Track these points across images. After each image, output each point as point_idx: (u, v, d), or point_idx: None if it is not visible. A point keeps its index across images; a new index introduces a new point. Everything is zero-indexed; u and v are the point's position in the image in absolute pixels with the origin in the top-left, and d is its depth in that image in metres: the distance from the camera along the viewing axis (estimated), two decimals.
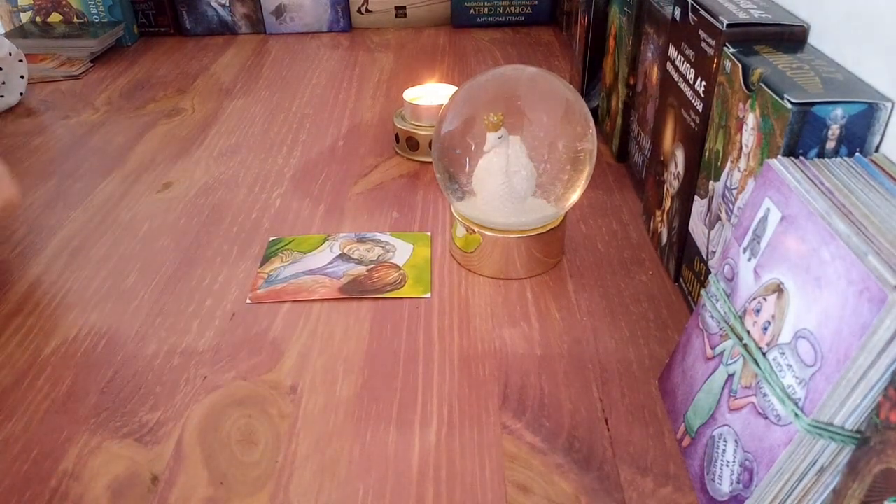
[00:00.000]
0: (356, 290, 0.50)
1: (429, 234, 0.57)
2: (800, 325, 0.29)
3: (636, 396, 0.41)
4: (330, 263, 0.53)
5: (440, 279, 0.51)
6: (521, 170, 0.48)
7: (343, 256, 0.54)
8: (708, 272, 0.44)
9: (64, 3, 1.00)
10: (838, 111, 0.34)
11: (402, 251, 0.54)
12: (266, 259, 0.54)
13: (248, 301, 0.50)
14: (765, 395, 0.31)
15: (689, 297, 0.48)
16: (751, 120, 0.38)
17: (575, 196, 0.50)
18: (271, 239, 0.57)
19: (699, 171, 0.45)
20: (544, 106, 0.51)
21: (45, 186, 0.66)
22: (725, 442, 0.33)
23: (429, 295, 0.50)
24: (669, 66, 0.50)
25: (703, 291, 0.38)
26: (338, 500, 0.36)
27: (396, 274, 0.52)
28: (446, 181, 0.51)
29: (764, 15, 0.42)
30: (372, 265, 0.53)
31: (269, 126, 0.77)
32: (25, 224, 0.60)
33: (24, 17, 1.01)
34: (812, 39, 0.41)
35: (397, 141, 0.69)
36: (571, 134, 0.50)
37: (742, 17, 0.41)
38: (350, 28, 1.08)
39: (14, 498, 0.36)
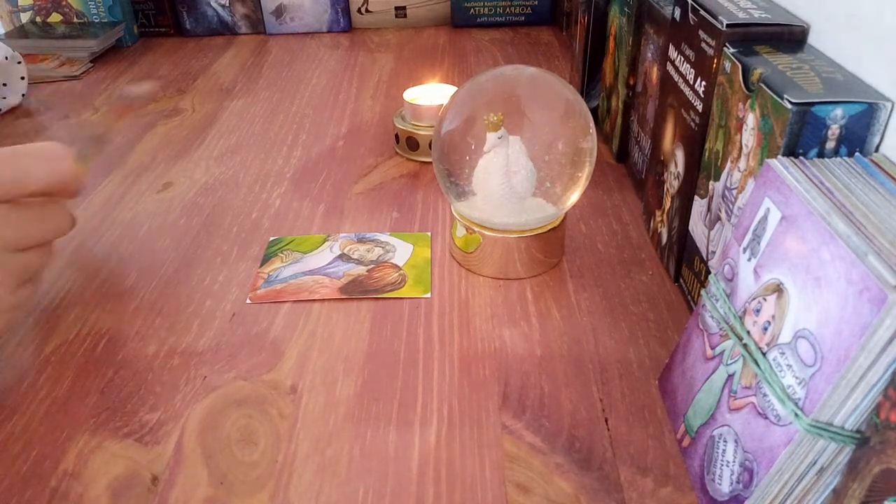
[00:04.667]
0: (356, 291, 0.50)
1: (429, 234, 0.57)
2: (800, 325, 0.29)
3: (636, 396, 0.41)
4: (330, 264, 0.53)
5: (440, 279, 0.51)
6: (521, 170, 0.48)
7: (343, 257, 0.54)
8: (708, 272, 0.44)
9: (64, 3, 1.00)
10: (838, 111, 0.34)
11: (402, 251, 0.54)
12: (266, 259, 0.54)
13: (248, 301, 0.50)
14: (765, 395, 0.31)
15: (689, 297, 0.48)
16: (751, 120, 0.38)
17: (575, 196, 0.50)
18: (271, 239, 0.57)
19: (699, 171, 0.45)
20: (544, 106, 0.51)
21: None
22: (725, 442, 0.33)
23: (429, 295, 0.50)
24: (669, 66, 0.50)
25: (703, 291, 0.38)
26: (338, 500, 0.36)
27: (396, 274, 0.52)
28: (446, 181, 0.51)
29: (764, 15, 0.42)
30: (372, 265, 0.53)
31: (269, 126, 0.77)
32: None
33: (25, 18, 1.01)
34: (812, 39, 0.41)
35: (397, 141, 0.69)
36: (571, 134, 0.50)
37: (742, 17, 0.41)
38: (350, 28, 1.08)
39: (14, 498, 0.36)
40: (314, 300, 0.50)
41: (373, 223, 0.58)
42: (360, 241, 0.56)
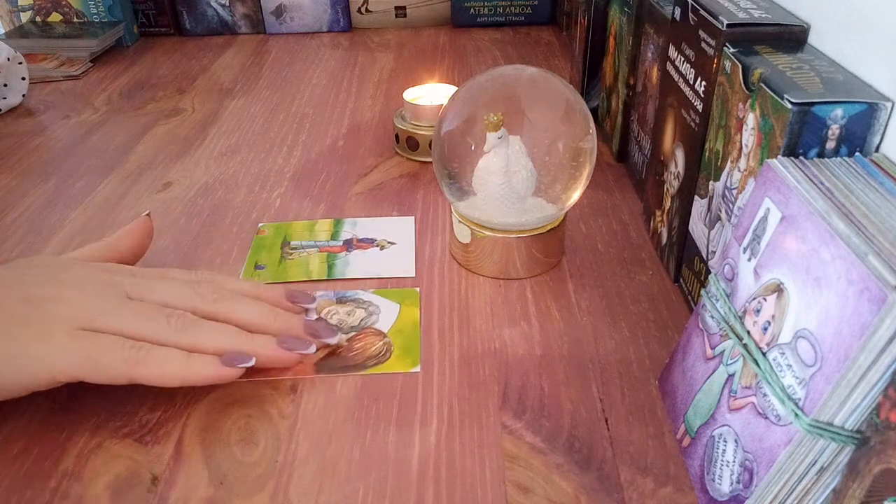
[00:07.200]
0: (335, 367, 0.44)
1: (417, 289, 0.50)
2: (800, 325, 0.29)
3: (636, 396, 0.41)
4: None
5: (440, 279, 0.51)
6: (521, 170, 0.48)
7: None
8: (708, 272, 0.44)
9: (64, 3, 1.00)
10: (838, 111, 0.34)
11: (387, 313, 0.48)
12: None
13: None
14: (765, 395, 0.31)
15: (689, 297, 0.48)
16: (751, 120, 0.38)
17: (575, 196, 0.50)
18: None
19: (699, 171, 0.45)
20: (544, 106, 0.51)
21: (45, 186, 0.66)
22: (725, 442, 0.33)
23: (417, 369, 0.43)
24: (669, 66, 0.50)
25: (703, 291, 0.38)
26: (338, 500, 0.36)
27: (381, 343, 0.45)
28: (446, 181, 0.51)
29: (764, 15, 0.42)
30: (353, 332, 0.46)
31: (269, 126, 0.77)
32: (25, 224, 0.60)
33: (25, 17, 1.01)
34: (812, 39, 0.41)
35: (397, 141, 0.69)
36: (571, 134, 0.50)
37: (742, 17, 0.41)
38: (350, 28, 1.08)
39: (14, 498, 0.36)
40: (285, 378, 0.43)
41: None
42: (340, 301, 0.49)
